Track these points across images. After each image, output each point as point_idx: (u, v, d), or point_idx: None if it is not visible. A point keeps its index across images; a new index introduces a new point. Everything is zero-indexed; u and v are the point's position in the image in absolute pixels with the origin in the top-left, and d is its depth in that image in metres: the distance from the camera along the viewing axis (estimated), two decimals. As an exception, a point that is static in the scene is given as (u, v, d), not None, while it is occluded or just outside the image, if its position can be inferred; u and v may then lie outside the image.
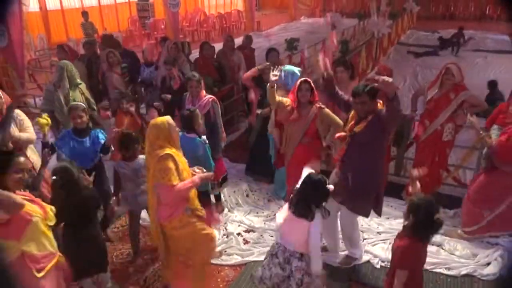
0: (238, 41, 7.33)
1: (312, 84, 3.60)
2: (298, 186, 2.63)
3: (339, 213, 3.34)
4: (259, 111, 4.59)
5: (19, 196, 2.25)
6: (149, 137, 2.73)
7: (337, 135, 3.37)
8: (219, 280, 3.36)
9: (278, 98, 3.69)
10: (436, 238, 3.79)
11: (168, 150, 2.67)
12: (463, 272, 3.36)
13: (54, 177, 2.70)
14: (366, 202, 3.22)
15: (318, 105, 3.64)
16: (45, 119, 3.37)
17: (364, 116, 3.05)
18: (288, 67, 4.45)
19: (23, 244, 2.26)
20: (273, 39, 13.53)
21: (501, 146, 3.40)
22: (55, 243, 2.46)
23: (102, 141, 3.50)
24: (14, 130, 3.29)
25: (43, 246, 2.34)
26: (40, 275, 2.31)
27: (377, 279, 3.33)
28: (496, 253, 3.54)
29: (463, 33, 12.15)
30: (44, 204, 2.40)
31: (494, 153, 3.45)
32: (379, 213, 3.36)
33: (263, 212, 4.28)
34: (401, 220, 3.98)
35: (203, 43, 6.18)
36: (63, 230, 2.87)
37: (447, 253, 3.61)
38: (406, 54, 11.71)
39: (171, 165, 2.63)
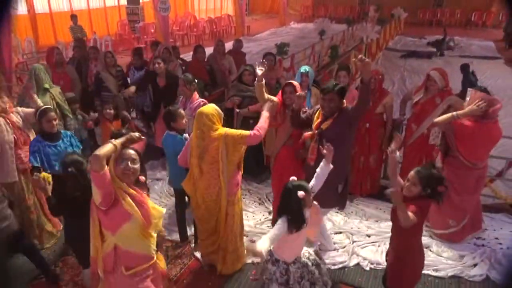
0: (229, 45, 7.37)
1: (296, 87, 3.59)
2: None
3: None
4: (237, 110, 4.65)
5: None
6: (206, 124, 3.05)
7: (305, 134, 3.41)
8: (210, 283, 3.36)
9: (267, 95, 3.67)
10: (424, 240, 3.86)
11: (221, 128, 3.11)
12: (451, 274, 3.42)
13: (70, 169, 2.72)
14: (332, 195, 3.29)
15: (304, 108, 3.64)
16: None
17: (330, 114, 3.18)
18: (306, 67, 4.48)
19: (117, 239, 2.24)
20: (263, 44, 13.62)
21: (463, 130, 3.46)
22: (153, 248, 2.39)
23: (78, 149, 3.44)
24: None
25: (138, 247, 2.30)
26: (127, 273, 2.27)
27: (367, 282, 3.37)
28: (483, 255, 3.60)
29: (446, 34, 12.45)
30: (152, 212, 2.32)
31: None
32: (342, 207, 3.59)
33: (253, 216, 4.29)
34: (389, 223, 4.07)
35: (197, 46, 6.19)
36: (67, 220, 2.91)
37: (435, 255, 3.66)
38: (394, 59, 11.87)
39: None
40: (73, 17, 10.87)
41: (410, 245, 2.60)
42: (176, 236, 3.91)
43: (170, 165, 3.73)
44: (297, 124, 3.51)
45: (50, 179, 2.96)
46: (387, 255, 2.89)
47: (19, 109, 3.93)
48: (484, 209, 4.34)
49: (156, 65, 4.87)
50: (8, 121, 3.58)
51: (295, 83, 3.69)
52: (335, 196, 3.34)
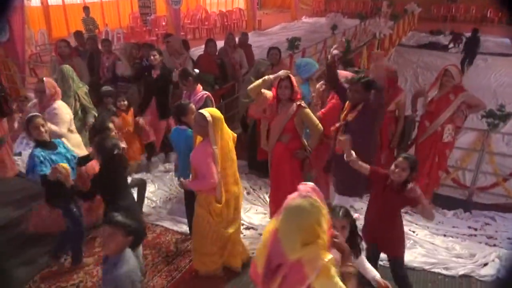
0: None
1: (293, 81, 3.51)
2: None
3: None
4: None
5: None
6: (221, 126, 3.04)
7: (332, 128, 3.51)
8: (218, 278, 3.38)
9: (264, 91, 3.63)
10: (434, 238, 3.83)
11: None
12: (461, 273, 3.39)
13: (116, 151, 2.87)
14: (355, 183, 3.38)
15: (299, 103, 3.52)
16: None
17: (355, 105, 3.33)
18: (308, 59, 4.58)
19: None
20: (274, 38, 13.55)
21: (321, 120, 3.66)
22: None
23: (75, 155, 3.37)
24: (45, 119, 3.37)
25: None
26: None
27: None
28: (494, 254, 3.56)
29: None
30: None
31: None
32: (361, 196, 3.71)
33: (263, 210, 4.30)
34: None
35: (208, 40, 6.16)
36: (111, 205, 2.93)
37: (446, 253, 3.63)
38: (407, 55, 11.73)
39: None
40: (86, 9, 10.93)
41: (401, 221, 2.88)
42: (185, 229, 3.94)
43: (180, 159, 3.72)
44: (332, 77, 3.60)
45: (69, 169, 2.93)
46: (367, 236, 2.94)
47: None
48: (496, 209, 4.30)
49: (152, 57, 4.82)
50: None
51: (292, 77, 3.59)
52: (357, 185, 3.41)
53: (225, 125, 3.09)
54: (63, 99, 4.13)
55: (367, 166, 2.85)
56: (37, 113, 3.36)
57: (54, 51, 5.55)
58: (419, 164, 4.20)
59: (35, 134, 3.13)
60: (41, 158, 3.02)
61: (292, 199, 1.74)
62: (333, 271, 1.70)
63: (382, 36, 10.00)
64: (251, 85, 3.67)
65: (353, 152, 2.87)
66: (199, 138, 3.16)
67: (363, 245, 2.41)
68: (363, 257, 2.37)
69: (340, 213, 2.25)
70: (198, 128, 3.03)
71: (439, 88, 4.10)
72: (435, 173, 4.30)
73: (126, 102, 4.60)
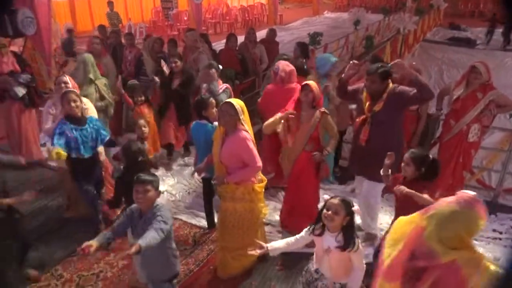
0: (261, 34, 7.31)
1: (313, 88, 3.50)
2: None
3: None
4: None
5: None
6: (247, 116, 3.03)
7: (357, 119, 3.51)
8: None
9: (278, 128, 3.61)
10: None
11: None
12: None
13: (140, 158, 3.06)
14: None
15: (322, 110, 3.55)
16: (57, 155, 3.22)
17: (377, 96, 3.30)
18: (326, 54, 4.61)
19: None
20: (296, 33, 13.45)
21: None
22: None
23: (105, 136, 3.51)
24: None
25: None
26: None
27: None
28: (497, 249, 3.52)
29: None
30: None
31: None
32: (369, 177, 3.56)
33: (280, 206, 4.27)
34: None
35: (230, 35, 6.15)
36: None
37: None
38: (432, 51, 11.44)
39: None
40: (110, 3, 11.10)
41: None
42: (204, 223, 3.97)
43: (200, 154, 3.73)
44: (342, 94, 3.64)
45: (64, 155, 3.18)
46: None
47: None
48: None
49: (173, 65, 4.80)
50: None
51: (313, 84, 3.57)
52: (355, 165, 3.48)
53: (248, 117, 3.07)
54: (84, 88, 4.27)
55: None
56: (72, 89, 3.54)
57: (88, 46, 5.51)
58: (442, 164, 4.15)
59: (67, 108, 3.36)
60: (60, 129, 3.26)
61: (450, 203, 1.72)
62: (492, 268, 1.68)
63: (406, 31, 9.76)
64: (267, 123, 3.58)
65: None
66: (217, 136, 3.12)
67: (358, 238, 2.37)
68: (361, 247, 2.35)
69: (338, 198, 2.30)
70: (227, 118, 2.93)
71: (465, 86, 3.97)
72: (459, 173, 4.18)
73: (143, 98, 4.66)
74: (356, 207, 2.32)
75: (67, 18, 12.98)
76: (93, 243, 2.28)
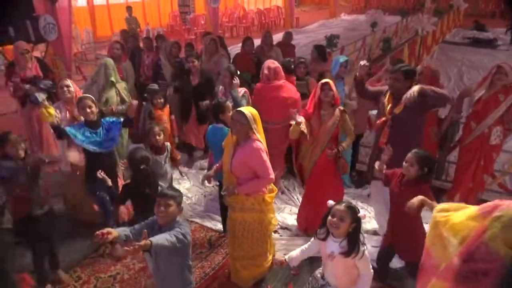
0: (277, 37, 7.30)
1: (332, 86, 3.49)
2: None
3: None
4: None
5: None
6: (260, 125, 2.98)
7: (378, 121, 3.51)
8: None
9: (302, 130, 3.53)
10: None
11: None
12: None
13: (142, 166, 3.06)
14: None
15: (342, 108, 3.57)
16: (47, 113, 3.46)
17: (399, 96, 3.28)
18: (337, 56, 4.71)
19: None
20: (312, 36, 13.40)
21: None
22: None
23: (120, 121, 3.56)
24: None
25: None
26: None
27: (401, 280, 3.24)
28: None
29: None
30: None
31: None
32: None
33: (296, 210, 4.25)
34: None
35: (246, 38, 6.18)
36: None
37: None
38: (451, 53, 11.23)
39: None
40: (128, 8, 11.30)
41: (419, 222, 2.84)
42: (220, 226, 3.98)
43: (216, 158, 3.74)
44: (362, 93, 3.65)
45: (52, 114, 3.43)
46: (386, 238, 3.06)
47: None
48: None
49: (191, 64, 4.86)
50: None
51: (331, 82, 3.56)
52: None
53: (261, 126, 3.02)
54: (105, 91, 4.40)
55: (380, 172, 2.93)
56: (88, 95, 3.63)
57: (108, 52, 5.63)
58: (462, 168, 4.06)
59: (82, 114, 3.47)
60: (75, 126, 3.44)
61: None
62: None
63: (425, 33, 9.60)
64: (291, 130, 3.53)
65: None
66: (228, 143, 3.07)
67: (366, 245, 2.33)
68: (366, 254, 2.30)
69: (343, 204, 2.26)
70: (239, 127, 2.87)
71: (488, 87, 3.87)
72: (480, 177, 4.07)
73: (162, 100, 4.68)
74: (362, 213, 2.27)
75: (87, 24, 13.27)
76: (113, 231, 2.25)
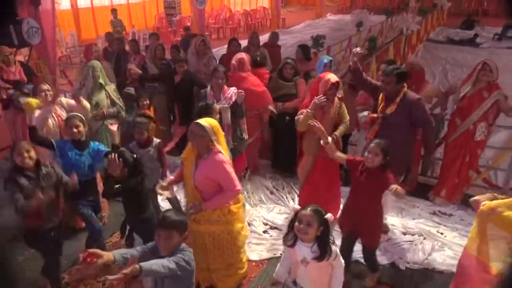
0: (264, 38, 7.32)
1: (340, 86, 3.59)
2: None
3: None
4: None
5: None
6: (221, 137, 2.86)
7: (369, 116, 3.57)
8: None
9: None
10: (464, 241, 3.70)
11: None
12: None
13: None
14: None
15: (339, 96, 3.64)
16: (33, 101, 3.43)
17: (391, 97, 3.36)
18: (322, 56, 4.77)
19: None
20: (299, 36, 13.46)
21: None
22: None
23: (103, 151, 3.37)
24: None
25: None
26: None
27: (402, 281, 3.27)
28: None
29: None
30: None
31: None
32: (412, 186, 3.64)
33: (286, 210, 4.27)
34: (428, 222, 3.94)
35: (232, 39, 6.18)
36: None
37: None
38: (435, 51, 11.40)
39: None
40: (113, 11, 11.19)
41: (381, 207, 2.93)
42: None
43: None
44: (360, 81, 3.66)
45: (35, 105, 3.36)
46: (342, 223, 3.11)
47: (63, 100, 4.12)
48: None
49: (180, 69, 4.88)
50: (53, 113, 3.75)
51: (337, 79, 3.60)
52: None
53: (223, 137, 2.90)
54: (94, 94, 4.31)
55: (343, 155, 2.95)
56: (76, 114, 3.48)
57: (84, 54, 5.63)
58: (448, 164, 4.13)
59: (69, 133, 3.36)
60: (63, 147, 3.31)
61: None
62: None
63: (410, 32, 9.74)
64: (300, 121, 3.53)
65: (330, 138, 2.97)
66: (188, 157, 2.91)
67: (335, 243, 2.32)
68: (337, 250, 2.29)
69: (309, 208, 2.20)
70: (199, 140, 2.74)
71: (473, 83, 3.94)
72: (466, 173, 4.15)
73: (148, 102, 4.63)
74: (329, 215, 2.22)
75: (71, 27, 13.12)
76: (103, 254, 1.94)
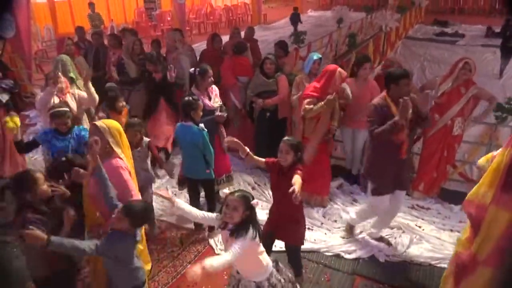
0: (245, 34, 7.29)
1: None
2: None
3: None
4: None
5: None
6: (122, 139, 2.71)
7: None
8: (224, 271, 3.38)
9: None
10: (441, 234, 3.80)
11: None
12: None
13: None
14: (388, 182, 3.34)
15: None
16: (13, 123, 3.20)
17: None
18: (311, 53, 4.76)
19: None
20: (280, 32, 13.47)
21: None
22: None
23: (84, 138, 3.31)
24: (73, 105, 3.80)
25: None
26: None
27: (381, 273, 3.34)
28: None
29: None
30: None
31: None
32: (405, 188, 3.57)
33: (268, 205, 4.28)
34: (406, 215, 4.02)
35: (214, 35, 6.10)
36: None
37: (452, 247, 3.57)
38: (414, 48, 11.61)
39: None
40: (91, 5, 10.94)
41: (301, 207, 2.95)
42: (190, 225, 3.95)
43: (185, 156, 3.74)
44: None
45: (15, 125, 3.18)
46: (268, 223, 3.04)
47: (76, 91, 4.12)
48: None
49: (155, 73, 4.81)
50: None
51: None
52: (390, 182, 3.37)
53: (125, 139, 2.73)
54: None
55: (261, 159, 2.89)
56: (65, 109, 3.41)
57: (57, 48, 5.49)
58: (427, 159, 4.22)
59: (61, 128, 3.30)
60: (43, 137, 3.32)
61: None
62: None
63: (388, 29, 9.86)
64: (313, 109, 3.82)
65: (246, 148, 2.87)
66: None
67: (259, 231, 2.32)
68: (250, 238, 2.24)
69: (237, 194, 2.27)
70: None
71: (453, 81, 4.03)
72: (444, 167, 4.26)
73: (124, 103, 4.52)
74: (255, 201, 2.28)
75: (48, 20, 12.74)
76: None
